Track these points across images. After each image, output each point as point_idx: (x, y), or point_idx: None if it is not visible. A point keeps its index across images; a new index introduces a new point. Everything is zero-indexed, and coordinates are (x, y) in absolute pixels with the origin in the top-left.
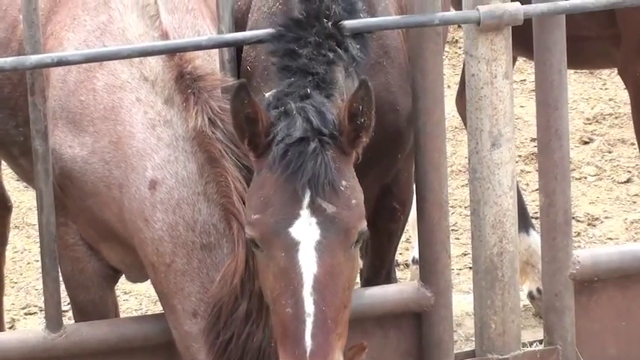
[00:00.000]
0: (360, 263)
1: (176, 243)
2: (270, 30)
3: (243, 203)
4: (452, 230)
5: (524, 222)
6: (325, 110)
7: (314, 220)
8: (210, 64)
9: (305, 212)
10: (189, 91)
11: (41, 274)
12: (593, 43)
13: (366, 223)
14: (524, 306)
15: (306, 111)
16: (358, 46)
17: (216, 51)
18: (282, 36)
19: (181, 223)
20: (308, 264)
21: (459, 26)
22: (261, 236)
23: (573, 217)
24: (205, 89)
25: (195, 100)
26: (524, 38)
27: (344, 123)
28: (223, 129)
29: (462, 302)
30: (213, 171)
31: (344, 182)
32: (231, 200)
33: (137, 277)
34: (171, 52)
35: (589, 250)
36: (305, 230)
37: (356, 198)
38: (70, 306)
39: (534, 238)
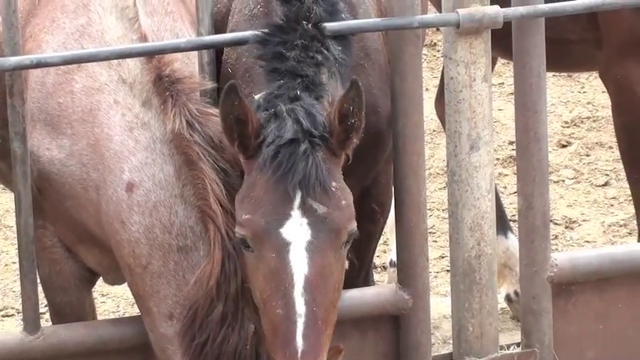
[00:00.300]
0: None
1: (152, 245)
2: (251, 33)
3: (221, 206)
4: (430, 233)
5: (502, 225)
6: (315, 112)
7: (305, 220)
8: (188, 66)
9: (296, 213)
10: (167, 93)
11: (19, 276)
12: (576, 46)
13: (355, 224)
14: (501, 309)
15: (296, 112)
16: (340, 48)
17: (194, 54)
18: (267, 40)
19: (158, 225)
20: (299, 264)
21: (438, 29)
22: (252, 236)
23: (551, 220)
24: (183, 92)
25: (174, 103)
26: (506, 40)
27: (334, 124)
28: (201, 132)
29: (439, 305)
30: (190, 173)
31: (334, 183)
32: (208, 202)
33: (114, 279)
34: (149, 54)
35: (567, 253)
36: (296, 231)
37: (346, 199)
38: (47, 308)
39: (512, 241)
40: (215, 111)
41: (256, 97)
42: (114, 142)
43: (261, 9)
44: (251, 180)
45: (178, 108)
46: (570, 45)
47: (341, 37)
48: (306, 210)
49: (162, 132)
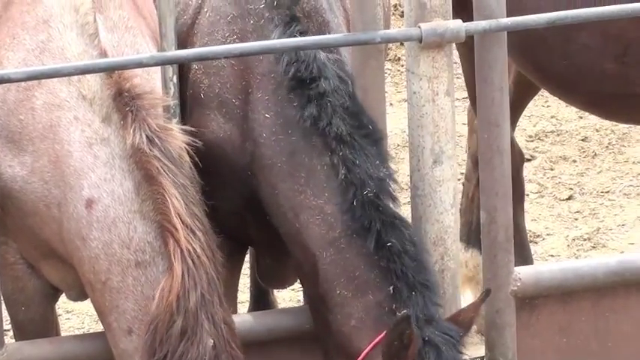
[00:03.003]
0: None
1: (111, 261)
2: (224, 59)
3: (181, 220)
4: None
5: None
6: (457, 338)
7: None
8: (149, 82)
9: None
10: (127, 109)
11: None
12: None
13: None
14: None
15: (445, 343)
16: (336, 67)
17: (156, 70)
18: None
19: (116, 241)
20: None
21: (402, 44)
22: None
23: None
24: (144, 107)
25: (133, 118)
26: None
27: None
28: (161, 147)
29: None
30: (150, 189)
31: None
32: (167, 217)
33: (78, 295)
34: (113, 69)
35: (530, 267)
36: None
37: None
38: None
39: None
40: (175, 127)
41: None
42: (73, 159)
43: (236, 39)
44: None
45: (138, 123)
46: (637, 98)
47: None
48: None
49: (121, 147)
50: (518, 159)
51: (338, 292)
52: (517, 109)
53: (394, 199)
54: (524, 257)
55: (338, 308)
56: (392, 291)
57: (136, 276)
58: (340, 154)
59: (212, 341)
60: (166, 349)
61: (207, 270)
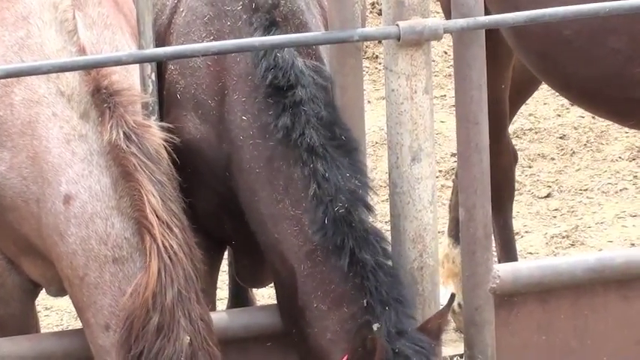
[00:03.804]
0: None
1: (88, 257)
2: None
3: (157, 217)
4: None
5: None
6: (426, 346)
7: None
8: (127, 79)
9: None
10: (105, 105)
11: None
12: None
13: None
14: None
15: (415, 354)
16: (314, 74)
17: (134, 67)
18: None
19: (94, 236)
20: None
21: (380, 42)
22: None
23: (493, 232)
24: (121, 104)
25: (111, 115)
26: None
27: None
28: (138, 143)
29: None
30: (127, 185)
31: None
32: (144, 214)
33: (57, 291)
34: (91, 67)
35: (509, 265)
36: None
37: None
38: None
39: None
40: (154, 124)
41: (370, 330)
42: (52, 155)
43: (213, 40)
44: None
45: (115, 120)
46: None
47: (316, 66)
48: None
49: (99, 144)
50: (511, 158)
51: (315, 305)
52: (514, 109)
53: (369, 208)
54: (511, 255)
55: (315, 322)
56: (365, 304)
57: (114, 272)
58: (311, 166)
59: (188, 338)
60: (142, 345)
61: (185, 266)
